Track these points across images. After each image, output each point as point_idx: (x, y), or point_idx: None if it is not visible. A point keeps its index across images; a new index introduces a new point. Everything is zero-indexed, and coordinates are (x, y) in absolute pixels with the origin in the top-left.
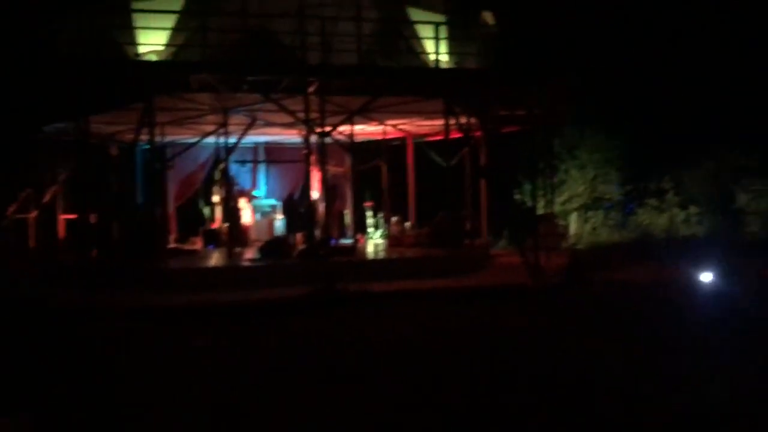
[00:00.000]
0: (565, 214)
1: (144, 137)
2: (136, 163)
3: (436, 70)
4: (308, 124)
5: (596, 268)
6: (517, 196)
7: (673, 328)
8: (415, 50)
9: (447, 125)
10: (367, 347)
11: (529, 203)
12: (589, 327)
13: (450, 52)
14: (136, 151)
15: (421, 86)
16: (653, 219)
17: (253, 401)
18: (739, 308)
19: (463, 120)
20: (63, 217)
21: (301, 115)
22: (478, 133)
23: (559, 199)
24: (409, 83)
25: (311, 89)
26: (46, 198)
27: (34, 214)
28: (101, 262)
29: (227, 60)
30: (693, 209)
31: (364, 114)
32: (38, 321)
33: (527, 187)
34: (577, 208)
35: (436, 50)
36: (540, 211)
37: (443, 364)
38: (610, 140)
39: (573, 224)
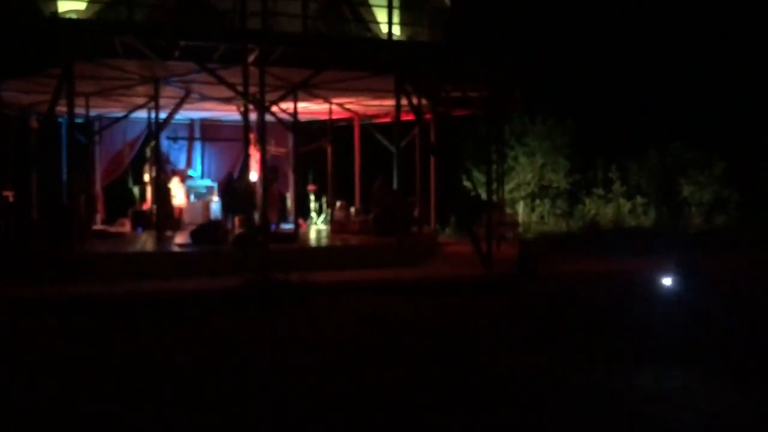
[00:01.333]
0: (513, 203)
1: (63, 108)
2: (61, 138)
3: (388, 42)
4: (246, 98)
5: (546, 260)
6: (465, 183)
7: (628, 324)
8: (364, 19)
9: (398, 105)
10: (299, 350)
11: (478, 190)
12: (541, 323)
13: (402, 23)
14: (60, 124)
15: (371, 60)
16: (600, 209)
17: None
18: (693, 305)
19: (414, 101)
20: None
21: (240, 88)
22: (428, 116)
23: (507, 187)
24: (358, 55)
25: (250, 59)
26: None
27: None
28: (12, 246)
29: (156, 22)
30: (639, 200)
31: (308, 90)
32: None
33: (476, 173)
34: (524, 196)
35: (389, 20)
36: (488, 198)
37: (386, 368)
38: (559, 128)
39: (520, 213)
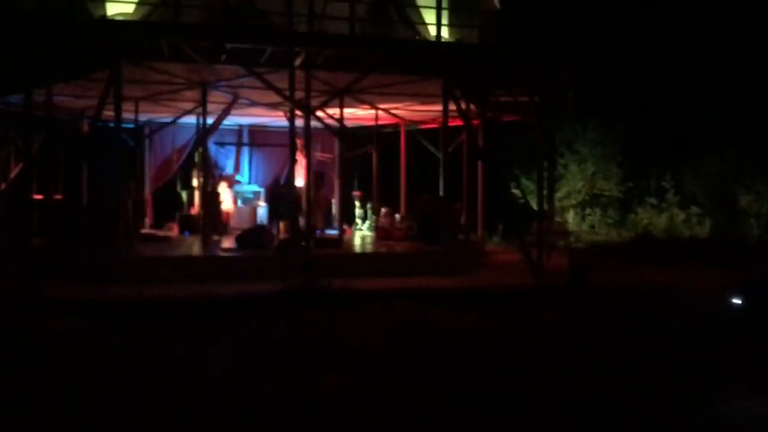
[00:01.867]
0: (563, 211)
1: (110, 113)
2: (111, 142)
3: (437, 44)
4: (293, 103)
5: (598, 270)
6: (514, 190)
7: (690, 340)
8: (411, 21)
9: (446, 110)
10: (337, 356)
11: (527, 198)
12: (595, 339)
13: (450, 25)
14: (111, 129)
15: (418, 63)
16: (653, 218)
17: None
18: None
19: (462, 105)
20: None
21: (286, 93)
22: (476, 122)
23: (557, 195)
24: (405, 59)
25: (297, 62)
26: (13, 175)
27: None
28: (61, 249)
29: (203, 24)
30: (694, 210)
31: (355, 95)
32: None
33: (524, 181)
34: (574, 204)
35: (438, 22)
36: (539, 207)
37: (423, 381)
38: (610, 134)
39: (570, 221)
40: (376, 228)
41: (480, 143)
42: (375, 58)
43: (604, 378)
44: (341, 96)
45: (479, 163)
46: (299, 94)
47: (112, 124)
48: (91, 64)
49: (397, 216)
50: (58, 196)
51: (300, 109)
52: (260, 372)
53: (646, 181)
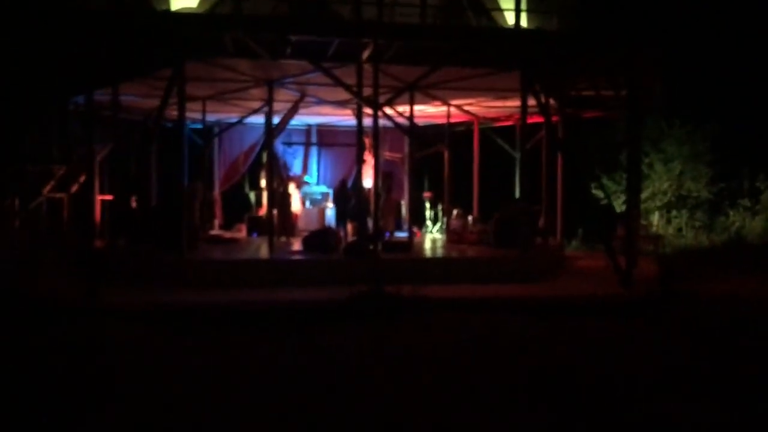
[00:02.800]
0: (647, 213)
1: (172, 112)
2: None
3: (516, 32)
4: (360, 98)
5: (691, 278)
6: (595, 192)
7: None
8: (485, 8)
9: (524, 104)
10: (402, 370)
11: (610, 200)
12: (696, 359)
13: (529, 10)
14: (179, 129)
15: (495, 53)
16: (746, 222)
17: None
18: None
19: (541, 99)
20: (100, 198)
21: (354, 89)
22: (555, 118)
23: (641, 196)
24: (481, 49)
25: (365, 55)
26: (83, 177)
27: (72, 191)
28: (125, 252)
29: (267, 17)
30: None
31: (425, 91)
32: (31, 321)
33: (606, 181)
34: (659, 206)
35: (516, 7)
36: (622, 208)
37: (492, 402)
38: (699, 132)
39: (655, 224)
40: (447, 231)
41: (560, 139)
42: (448, 49)
43: (700, 407)
44: (411, 92)
45: (559, 163)
46: (367, 91)
47: (189, 125)
48: (154, 62)
49: (470, 218)
50: (129, 198)
51: (368, 105)
52: (325, 382)
53: (738, 181)
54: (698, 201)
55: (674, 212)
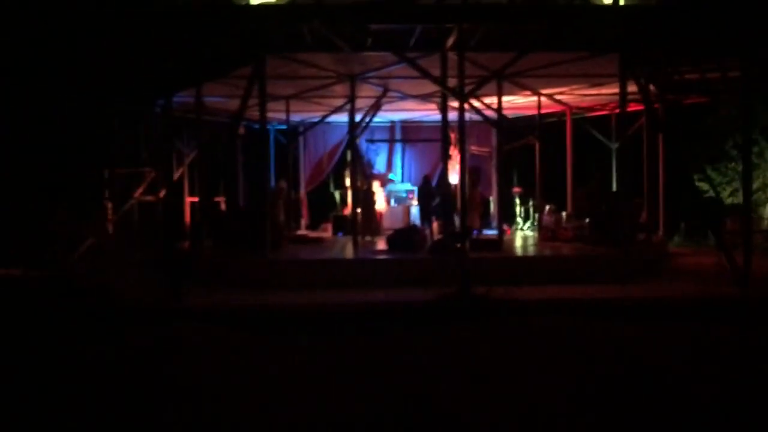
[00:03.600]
0: (756, 206)
1: (269, 114)
2: (267, 143)
3: (616, 7)
4: (445, 88)
5: None
6: (699, 183)
7: None
8: None
9: (623, 91)
10: (491, 384)
11: (723, 191)
12: None
13: None
14: (266, 130)
15: (591, 34)
16: None
17: None
18: None
19: (642, 84)
20: (189, 200)
21: (438, 78)
22: (656, 105)
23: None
24: (575, 29)
25: (449, 43)
26: (174, 178)
27: (161, 195)
28: (210, 254)
29: (344, 5)
30: None
31: (513, 80)
32: (116, 322)
33: (711, 172)
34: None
35: None
36: (729, 201)
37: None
38: None
39: (765, 218)
40: (539, 227)
41: (660, 129)
42: (538, 31)
43: None
44: (498, 81)
45: (660, 154)
46: (452, 82)
47: (269, 126)
48: (235, 59)
49: (563, 214)
50: (219, 199)
51: (453, 96)
52: (404, 406)
53: None
54: None
55: None
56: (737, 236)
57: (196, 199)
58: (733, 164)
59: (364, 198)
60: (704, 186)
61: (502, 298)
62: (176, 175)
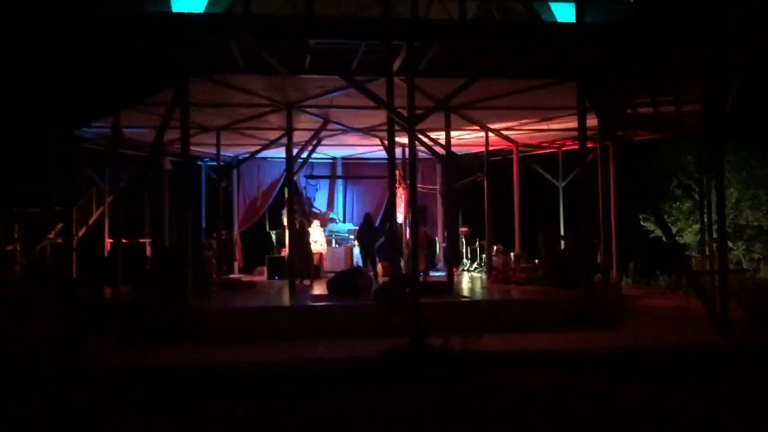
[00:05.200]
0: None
1: (200, 149)
2: (199, 181)
3: (582, 26)
4: (393, 111)
5: None
6: (646, 224)
7: None
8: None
9: (582, 123)
10: None
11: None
12: None
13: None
14: (198, 166)
15: (550, 58)
16: None
17: None
18: None
19: (594, 121)
20: (110, 241)
21: (383, 116)
22: (605, 143)
23: (694, 228)
24: (535, 50)
25: (396, 65)
26: (92, 219)
27: (79, 235)
28: (126, 302)
29: (279, 15)
30: None
31: (463, 111)
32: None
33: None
34: (717, 238)
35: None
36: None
37: None
38: (758, 155)
39: (709, 258)
40: (489, 269)
41: (612, 168)
42: (493, 53)
43: None
44: (447, 113)
45: (612, 192)
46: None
47: (201, 162)
48: (152, 82)
49: (512, 254)
50: (144, 241)
51: (401, 121)
52: None
53: None
54: (758, 231)
55: (730, 244)
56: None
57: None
58: (677, 204)
59: (300, 238)
60: (650, 226)
61: (462, 351)
62: (95, 215)
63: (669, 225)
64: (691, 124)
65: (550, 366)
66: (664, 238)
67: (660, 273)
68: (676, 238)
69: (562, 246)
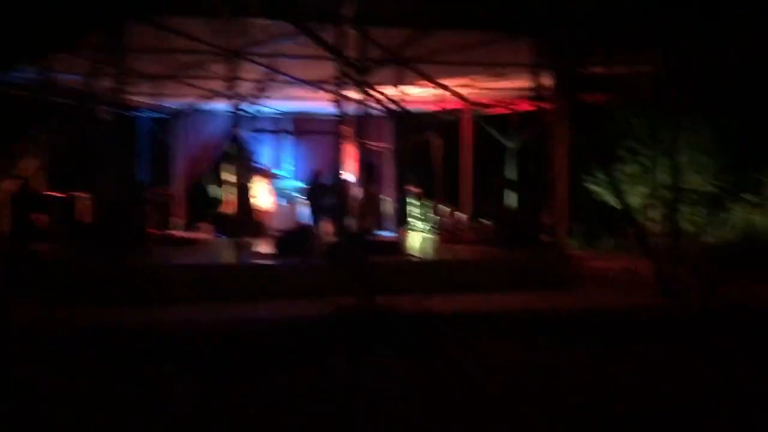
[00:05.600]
0: (645, 210)
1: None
2: (137, 132)
3: None
4: (343, 59)
5: (717, 281)
6: (593, 186)
7: None
8: None
9: (537, 81)
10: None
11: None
12: None
13: None
14: (137, 117)
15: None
16: (750, 217)
17: None
18: None
19: (549, 80)
20: (40, 193)
21: (333, 64)
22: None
23: (642, 191)
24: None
25: (346, 11)
26: (24, 170)
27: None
28: (56, 255)
29: None
30: None
31: (415, 65)
32: None
33: (602, 175)
34: (660, 202)
35: None
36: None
37: None
38: (703, 121)
39: (654, 222)
40: (440, 230)
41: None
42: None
43: None
44: (398, 65)
45: (563, 155)
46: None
47: (142, 113)
48: (84, 23)
49: (463, 215)
50: (80, 194)
51: (351, 71)
52: None
53: (743, 174)
54: (703, 196)
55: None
56: (631, 240)
57: (58, 195)
58: (623, 167)
59: (245, 195)
60: (595, 189)
61: (412, 312)
62: (30, 167)
63: (607, 188)
64: (646, 86)
65: (502, 327)
66: (613, 202)
67: (605, 236)
68: (623, 200)
69: (509, 205)
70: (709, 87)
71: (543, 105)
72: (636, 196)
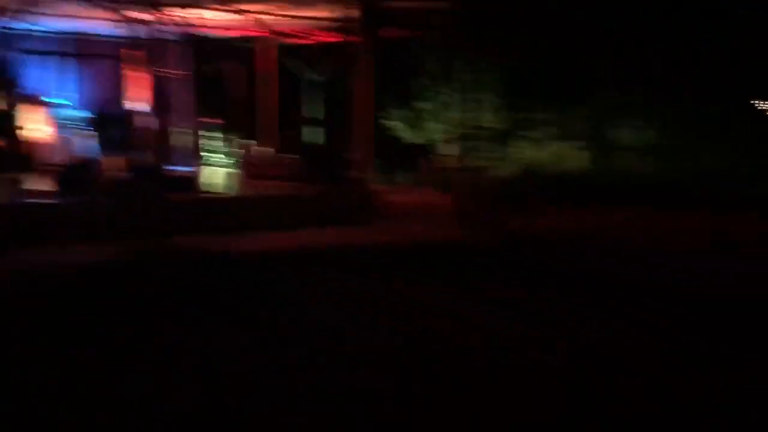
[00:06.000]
0: (442, 145)
1: None
2: None
3: None
4: None
5: (508, 213)
6: (387, 122)
7: None
8: None
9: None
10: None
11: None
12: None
13: None
14: None
15: None
16: (534, 153)
17: None
18: None
19: (351, 12)
20: None
21: None
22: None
23: (440, 127)
24: None
25: None
26: None
27: None
28: None
29: None
30: (574, 144)
31: None
32: None
33: (396, 112)
34: (455, 138)
35: None
36: (419, 141)
37: None
38: (493, 59)
39: (449, 157)
40: (244, 165)
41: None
42: None
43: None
44: None
45: (370, 89)
46: None
47: None
48: None
49: (267, 149)
50: None
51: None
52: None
53: (529, 113)
54: (492, 132)
55: (467, 144)
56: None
57: None
58: (420, 103)
59: (9, 124)
60: (390, 124)
61: (216, 253)
62: None
63: (404, 124)
64: (443, 23)
65: (311, 263)
66: (409, 138)
67: (401, 171)
68: (419, 137)
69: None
70: (503, 26)
71: (348, 38)
72: (434, 133)
